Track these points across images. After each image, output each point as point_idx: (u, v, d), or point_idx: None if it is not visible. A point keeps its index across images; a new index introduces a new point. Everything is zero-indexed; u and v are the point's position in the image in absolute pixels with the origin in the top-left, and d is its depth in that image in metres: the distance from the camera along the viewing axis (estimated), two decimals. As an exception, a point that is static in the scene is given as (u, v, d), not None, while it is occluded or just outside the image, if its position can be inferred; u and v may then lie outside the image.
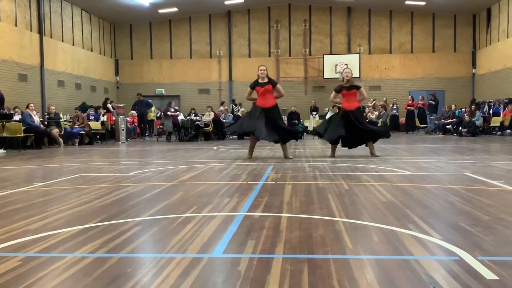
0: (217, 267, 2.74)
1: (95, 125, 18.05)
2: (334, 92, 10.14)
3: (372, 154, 9.86)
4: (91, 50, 24.27)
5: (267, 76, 9.71)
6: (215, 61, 26.85)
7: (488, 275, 2.49)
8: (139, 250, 3.16)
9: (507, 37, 22.25)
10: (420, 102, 22.93)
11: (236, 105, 23.09)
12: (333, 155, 10.08)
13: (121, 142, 17.96)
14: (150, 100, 22.94)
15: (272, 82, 9.77)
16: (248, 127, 9.69)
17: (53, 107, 17.46)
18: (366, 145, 10.15)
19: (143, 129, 21.66)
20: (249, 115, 10.27)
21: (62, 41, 21.59)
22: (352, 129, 9.76)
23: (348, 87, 9.87)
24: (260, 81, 9.72)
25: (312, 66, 26.51)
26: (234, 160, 9.61)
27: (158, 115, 22.27)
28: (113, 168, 8.60)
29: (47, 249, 3.13)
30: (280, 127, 9.68)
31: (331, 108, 20.37)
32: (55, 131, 15.95)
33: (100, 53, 25.26)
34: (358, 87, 9.92)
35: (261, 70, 9.76)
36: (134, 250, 3.12)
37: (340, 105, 10.16)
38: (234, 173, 7.42)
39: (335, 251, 3.00)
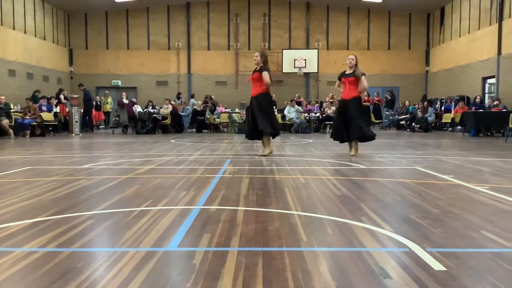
0: (171, 260, 2.72)
1: (47, 116, 17.50)
2: (338, 80, 9.24)
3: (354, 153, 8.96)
4: (44, 39, 23.47)
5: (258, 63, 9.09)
6: (173, 53, 26.52)
7: (436, 266, 2.57)
8: (91, 244, 3.09)
9: (459, 36, 23.02)
10: (375, 98, 23.42)
11: (179, 98, 22.77)
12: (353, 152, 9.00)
13: (75, 134, 17.50)
14: (107, 91, 22.35)
15: (260, 69, 8.99)
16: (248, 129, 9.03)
17: (3, 97, 16.77)
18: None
19: (87, 121, 19.96)
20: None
21: (14, 28, 20.77)
22: (345, 120, 8.98)
23: (347, 74, 9.00)
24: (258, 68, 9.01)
25: (271, 60, 26.46)
26: (191, 153, 9.54)
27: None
28: (65, 160, 8.37)
29: (-6, 244, 3.01)
30: (259, 119, 8.77)
31: (289, 102, 20.52)
32: (5, 122, 15.38)
33: (53, 42, 24.46)
34: (356, 76, 8.85)
35: (254, 57, 9.14)
36: (86, 244, 3.05)
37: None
38: (192, 166, 7.37)
39: (289, 244, 3.02)
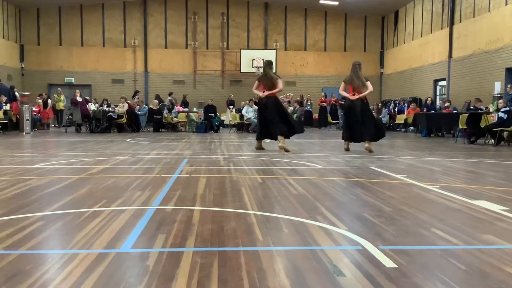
0: (124, 262, 2.66)
1: (-4, 114, 16.82)
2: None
3: (369, 151, 9.59)
4: (-7, 34, 22.59)
5: None
6: (130, 50, 26.07)
7: (388, 263, 2.63)
8: (41, 246, 2.99)
9: (412, 40, 23.69)
10: (332, 99, 23.79)
11: (134, 97, 22.38)
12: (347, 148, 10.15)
13: (26, 133, 16.92)
14: (59, 88, 21.68)
15: None
16: None
17: None
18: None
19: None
20: None
21: (-40, 22, 19.89)
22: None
23: None
24: None
25: (230, 60, 26.56)
26: (148, 153, 9.40)
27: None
28: (15, 160, 8.07)
29: None
30: None
31: (247, 102, 20.53)
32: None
33: (3, 38, 23.57)
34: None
35: None
36: (35, 247, 2.94)
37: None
38: (148, 166, 7.25)
39: (245, 243, 3.02)
